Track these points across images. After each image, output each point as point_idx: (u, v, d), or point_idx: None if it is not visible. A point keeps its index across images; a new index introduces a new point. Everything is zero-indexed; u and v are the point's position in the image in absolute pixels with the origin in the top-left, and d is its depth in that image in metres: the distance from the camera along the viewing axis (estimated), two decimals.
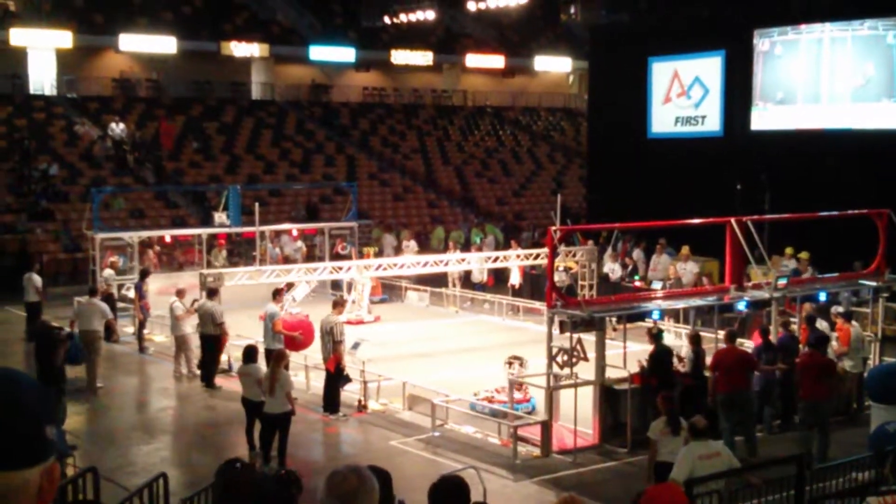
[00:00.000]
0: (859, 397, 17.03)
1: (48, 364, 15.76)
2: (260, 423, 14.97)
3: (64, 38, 43.67)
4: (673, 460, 11.63)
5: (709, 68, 31.20)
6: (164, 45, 45.74)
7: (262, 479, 6.11)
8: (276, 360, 15.01)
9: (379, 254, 30.62)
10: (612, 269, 26.93)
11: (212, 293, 19.76)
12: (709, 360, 16.37)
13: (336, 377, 17.41)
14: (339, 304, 18.44)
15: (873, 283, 18.19)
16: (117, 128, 40.49)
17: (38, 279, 24.26)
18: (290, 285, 22.78)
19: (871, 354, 17.77)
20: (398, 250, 32.55)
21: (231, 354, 20.66)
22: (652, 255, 27.34)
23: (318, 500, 3.74)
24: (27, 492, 2.06)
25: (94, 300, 20.14)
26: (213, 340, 19.61)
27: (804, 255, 23.99)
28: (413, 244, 32.65)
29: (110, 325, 20.03)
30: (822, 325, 17.36)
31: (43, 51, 44.73)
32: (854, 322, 17.54)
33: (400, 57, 52.96)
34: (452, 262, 25.91)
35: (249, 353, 15.67)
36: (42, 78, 44.75)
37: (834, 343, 16.76)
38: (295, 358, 18.31)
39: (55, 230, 33.89)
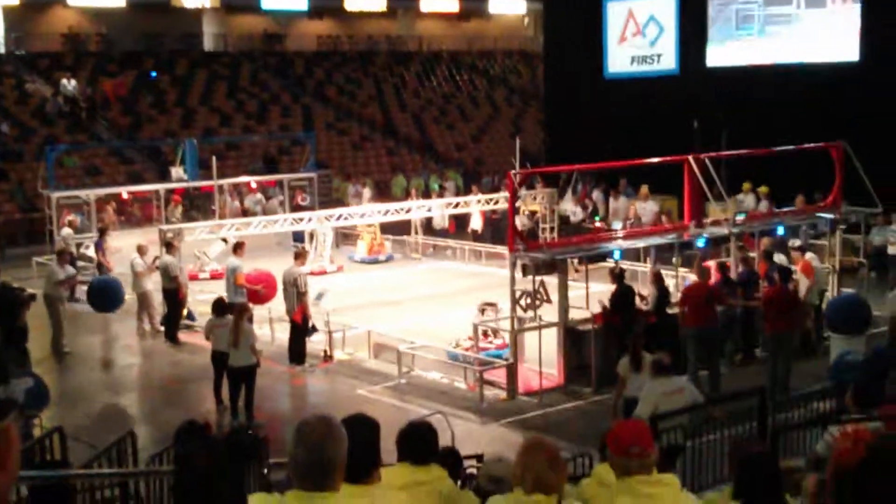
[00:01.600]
0: (817, 329, 17.27)
1: (11, 325, 15.63)
2: (227, 378, 14.96)
3: None
4: (639, 395, 11.80)
5: (663, 6, 31.13)
6: None
7: (216, 441, 6.08)
8: (239, 313, 14.96)
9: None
10: (574, 211, 27.00)
11: (169, 247, 19.65)
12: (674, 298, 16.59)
13: (302, 328, 17.41)
14: (300, 256, 18.40)
15: (830, 216, 18.36)
16: (69, 84, 39.86)
17: None
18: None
19: (828, 286, 18.00)
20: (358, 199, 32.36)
21: (196, 310, 20.63)
22: (618, 194, 27.42)
23: (287, 450, 3.76)
24: None
25: (52, 263, 19.98)
26: (173, 295, 19.54)
27: (763, 189, 24.19)
28: (367, 191, 32.44)
29: (60, 287, 19.47)
30: (779, 258, 17.53)
31: None
32: (810, 254, 17.72)
33: (353, 3, 52.45)
34: (414, 209, 25.83)
35: (220, 306, 15.60)
36: None
37: (803, 278, 16.90)
38: (259, 311, 18.26)
39: (10, 190, 33.45)
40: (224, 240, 22.25)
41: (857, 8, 26.16)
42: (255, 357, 14.70)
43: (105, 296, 19.62)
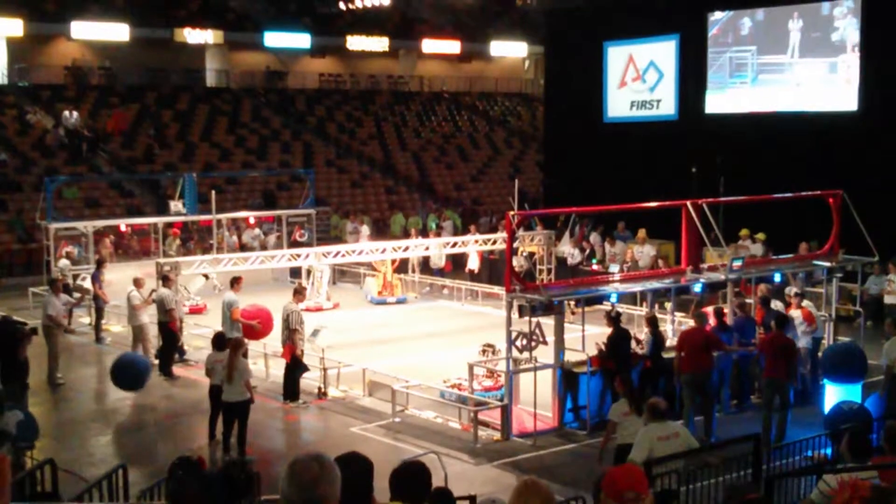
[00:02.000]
0: (813, 376, 17.24)
1: (12, 359, 15.54)
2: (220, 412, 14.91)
3: (14, 26, 43.08)
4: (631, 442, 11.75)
5: (663, 52, 31.35)
6: (117, 32, 45.27)
7: (210, 477, 6.06)
8: (234, 348, 14.93)
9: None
10: (572, 253, 27.01)
11: (166, 280, 19.63)
12: (670, 342, 16.61)
13: (293, 366, 17.33)
14: (298, 292, 18.37)
15: (827, 264, 18.39)
16: (71, 116, 40.01)
17: None
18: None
19: (825, 334, 17.99)
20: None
21: (191, 344, 20.61)
22: (613, 240, 27.43)
23: (279, 488, 3.74)
24: None
25: (48, 294, 19.89)
26: (167, 328, 19.50)
27: (760, 235, 24.25)
28: (365, 228, 32.44)
29: (53, 320, 19.20)
30: (776, 305, 17.54)
31: None
32: (807, 301, 17.73)
33: (356, 43, 52.77)
34: (412, 247, 25.82)
35: (220, 341, 15.56)
36: None
37: (803, 325, 16.95)
38: (254, 346, 18.25)
39: (8, 220, 33.48)
40: (205, 276, 22.20)
41: (856, 58, 26.36)
42: (249, 393, 14.66)
43: (131, 374, 19.02)
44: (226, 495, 5.51)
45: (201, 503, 3.94)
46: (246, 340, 16.68)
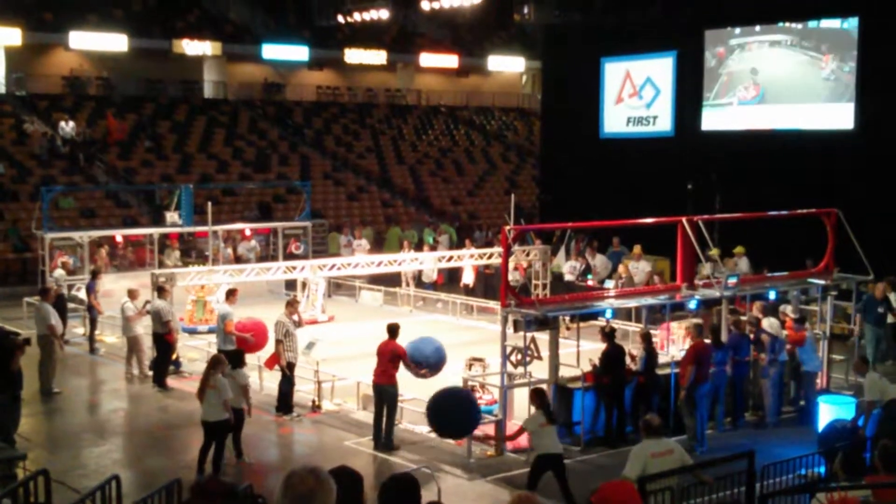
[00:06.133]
0: (808, 395, 17.26)
1: (5, 370, 15.46)
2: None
3: (13, 36, 43.13)
4: (551, 451, 12.03)
5: (660, 69, 31.41)
6: (115, 42, 45.33)
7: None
8: (211, 364, 14.41)
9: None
10: (574, 266, 26.92)
11: (161, 292, 19.60)
12: (661, 358, 16.64)
13: (284, 377, 17.30)
14: (290, 304, 18.30)
15: (822, 282, 18.43)
16: (67, 126, 40.03)
17: None
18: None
19: (820, 352, 18.02)
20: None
21: (186, 356, 20.59)
22: (594, 252, 27.38)
23: (274, 500, 3.74)
24: None
25: (44, 303, 19.67)
26: (163, 339, 19.46)
27: (739, 249, 24.27)
28: (364, 242, 32.41)
29: (52, 331, 19.02)
30: (771, 322, 17.56)
31: None
32: (806, 325, 17.76)
33: (353, 56, 52.88)
34: (407, 261, 25.79)
35: (234, 360, 15.27)
36: None
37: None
38: (248, 359, 18.16)
39: (4, 230, 33.45)
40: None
41: (853, 76, 26.44)
42: (228, 413, 14.14)
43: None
44: None
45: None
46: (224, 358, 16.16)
